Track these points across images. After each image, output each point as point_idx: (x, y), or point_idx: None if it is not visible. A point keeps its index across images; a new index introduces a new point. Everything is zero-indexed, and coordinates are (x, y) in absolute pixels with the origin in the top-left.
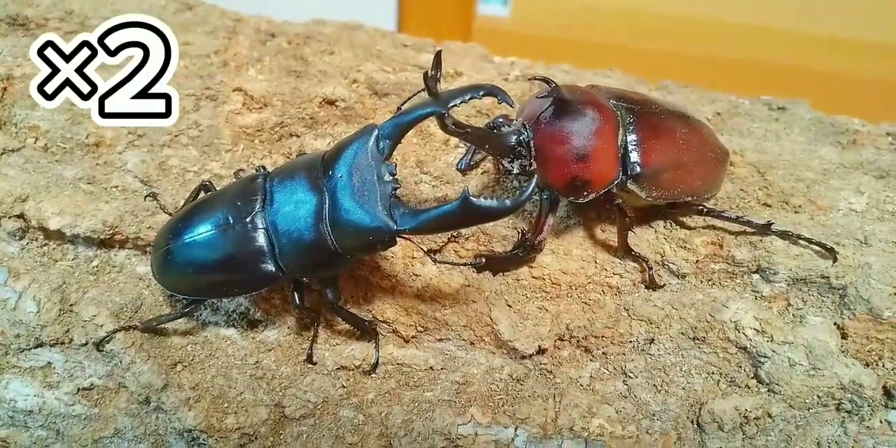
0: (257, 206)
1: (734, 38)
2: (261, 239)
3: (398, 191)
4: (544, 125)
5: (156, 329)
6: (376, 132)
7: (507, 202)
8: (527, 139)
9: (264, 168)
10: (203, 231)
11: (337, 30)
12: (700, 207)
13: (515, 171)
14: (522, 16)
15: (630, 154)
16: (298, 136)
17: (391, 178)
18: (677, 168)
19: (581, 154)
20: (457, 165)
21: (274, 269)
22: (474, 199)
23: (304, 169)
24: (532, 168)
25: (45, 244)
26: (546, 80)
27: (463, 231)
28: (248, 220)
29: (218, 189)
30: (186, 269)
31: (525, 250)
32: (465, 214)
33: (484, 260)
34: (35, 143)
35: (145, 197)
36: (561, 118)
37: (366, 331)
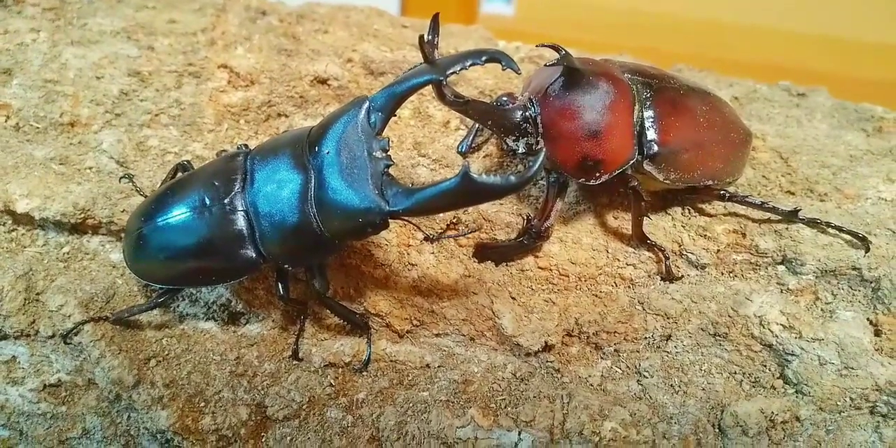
0: (237, 187)
1: (739, 39)
2: (240, 222)
3: (391, 168)
4: (553, 99)
5: (128, 321)
6: (367, 104)
7: (512, 178)
8: (534, 114)
9: (246, 146)
10: (178, 213)
11: (332, 10)
12: (721, 192)
13: (521, 150)
14: (527, 14)
15: (647, 131)
16: (287, 116)
17: (383, 154)
18: (697, 148)
19: (593, 130)
20: (457, 148)
21: (254, 255)
22: (475, 176)
23: (289, 145)
24: (539, 147)
25: (14, 229)
26: (556, 48)
27: (463, 217)
28: (226, 201)
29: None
30: (159, 255)
31: (531, 238)
32: (466, 192)
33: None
34: (6, 121)
35: (120, 179)
36: (571, 90)
37: (357, 324)
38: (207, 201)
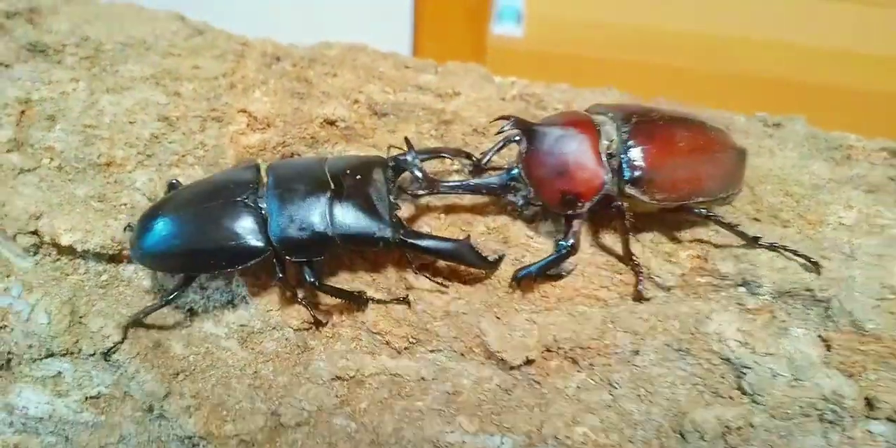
0: (252, 186)
1: (744, 52)
2: (252, 215)
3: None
4: (525, 156)
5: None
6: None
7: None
8: (517, 174)
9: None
10: (191, 205)
11: (341, 52)
12: (704, 212)
13: (521, 203)
14: (536, 35)
15: (623, 159)
16: (300, 155)
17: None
18: (678, 169)
19: (559, 170)
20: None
21: (262, 244)
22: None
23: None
24: (535, 197)
25: (58, 259)
26: (504, 118)
27: None
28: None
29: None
30: (171, 244)
31: (563, 249)
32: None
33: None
34: (50, 162)
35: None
36: (533, 144)
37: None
38: (224, 197)
